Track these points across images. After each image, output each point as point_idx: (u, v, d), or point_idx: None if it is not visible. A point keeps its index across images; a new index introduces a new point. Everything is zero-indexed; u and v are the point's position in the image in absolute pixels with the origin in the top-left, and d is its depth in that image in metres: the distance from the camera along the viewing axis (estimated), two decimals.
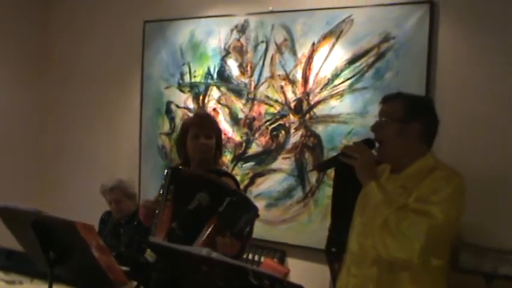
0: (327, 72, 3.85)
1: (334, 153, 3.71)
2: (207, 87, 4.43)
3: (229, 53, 4.32)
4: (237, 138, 4.27)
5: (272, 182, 4.10)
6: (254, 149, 4.20)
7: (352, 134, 3.70)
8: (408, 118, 2.27)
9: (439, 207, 2.15)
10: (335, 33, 3.83)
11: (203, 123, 2.93)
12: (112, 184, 3.84)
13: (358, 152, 2.27)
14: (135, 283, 2.63)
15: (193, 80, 4.51)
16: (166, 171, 2.79)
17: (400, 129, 2.27)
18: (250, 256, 4.07)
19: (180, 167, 2.88)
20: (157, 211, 2.64)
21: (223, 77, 4.35)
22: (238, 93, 4.28)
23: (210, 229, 2.49)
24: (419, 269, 2.20)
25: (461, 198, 2.23)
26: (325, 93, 3.86)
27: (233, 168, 4.22)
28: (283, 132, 4.06)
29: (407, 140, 2.28)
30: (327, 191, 3.76)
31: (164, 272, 2.66)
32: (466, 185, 2.25)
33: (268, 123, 4.13)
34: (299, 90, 3.98)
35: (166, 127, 4.66)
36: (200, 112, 4.17)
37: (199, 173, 2.81)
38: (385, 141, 2.30)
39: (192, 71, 4.50)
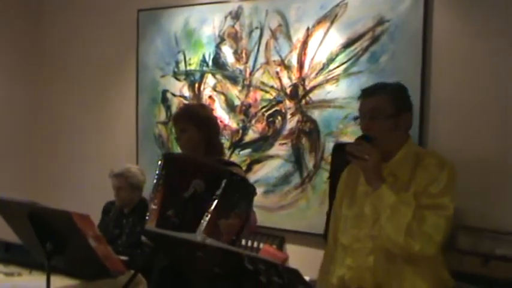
0: (322, 57, 3.84)
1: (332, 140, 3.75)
2: (203, 74, 4.42)
3: (224, 40, 4.30)
4: (234, 125, 4.26)
5: (269, 169, 4.10)
6: (251, 135, 4.20)
7: (348, 118, 3.69)
8: (399, 111, 2.29)
9: (448, 197, 2.20)
10: (329, 17, 3.81)
11: (175, 117, 2.95)
12: (118, 171, 3.85)
13: (367, 153, 2.23)
14: (132, 272, 2.63)
15: (188, 68, 4.49)
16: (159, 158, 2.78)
17: (394, 125, 2.29)
18: (249, 243, 4.08)
19: (172, 152, 2.87)
20: (150, 198, 2.63)
21: (218, 64, 4.34)
22: (233, 80, 4.27)
23: (210, 214, 2.48)
24: (421, 258, 2.24)
25: (454, 183, 2.26)
26: (320, 78, 3.85)
27: (230, 156, 4.21)
28: (279, 118, 4.05)
29: (399, 132, 2.31)
30: (324, 176, 3.76)
31: (165, 259, 2.66)
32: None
33: (264, 109, 4.12)
34: (294, 75, 3.96)
35: (162, 116, 4.65)
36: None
37: (192, 157, 2.78)
38: (378, 139, 2.28)
39: (187, 59, 4.48)
